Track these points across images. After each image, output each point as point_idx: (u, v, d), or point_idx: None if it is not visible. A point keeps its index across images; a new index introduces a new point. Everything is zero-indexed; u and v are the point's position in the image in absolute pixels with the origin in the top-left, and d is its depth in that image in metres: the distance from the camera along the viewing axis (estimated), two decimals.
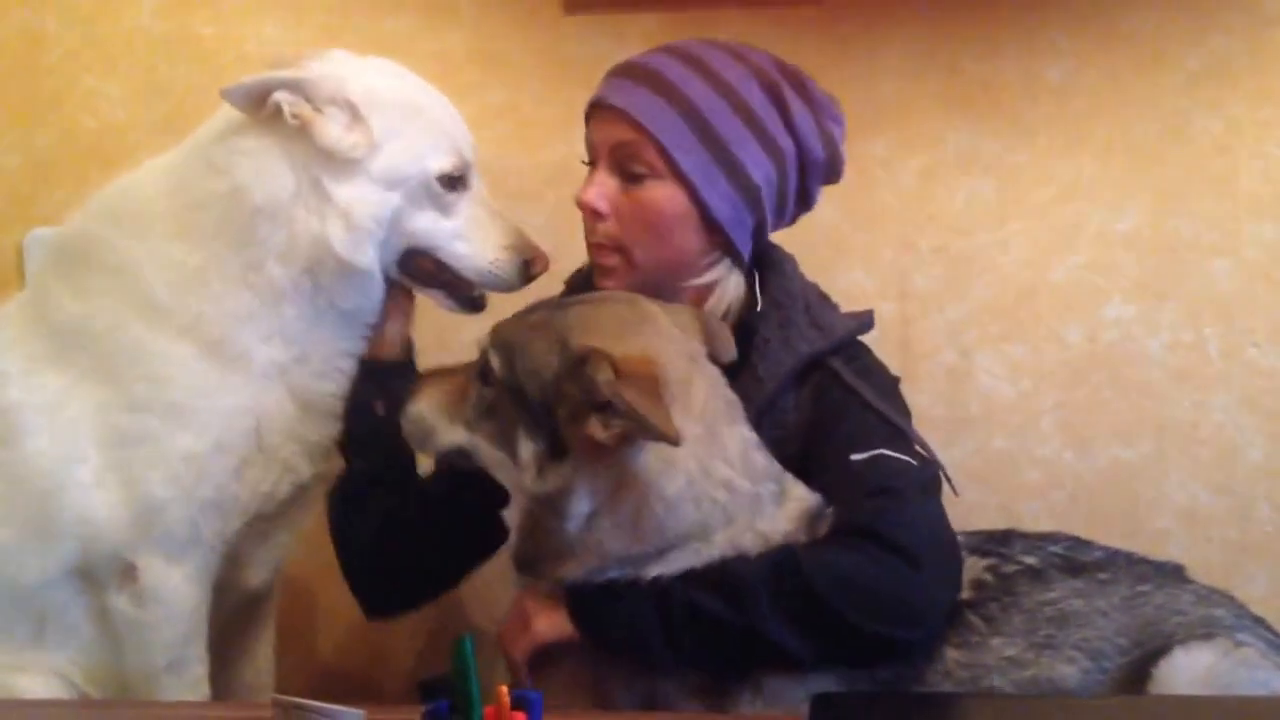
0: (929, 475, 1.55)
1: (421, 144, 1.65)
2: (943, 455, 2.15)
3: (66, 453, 1.62)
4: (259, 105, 1.59)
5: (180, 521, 1.64)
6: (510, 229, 1.72)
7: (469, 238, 1.69)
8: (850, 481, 1.50)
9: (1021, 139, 2.13)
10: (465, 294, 1.73)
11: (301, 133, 1.59)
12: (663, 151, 1.57)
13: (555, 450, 1.42)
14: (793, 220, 1.71)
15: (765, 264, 1.71)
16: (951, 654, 1.47)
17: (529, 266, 1.71)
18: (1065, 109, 2.13)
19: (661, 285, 1.61)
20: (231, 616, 1.81)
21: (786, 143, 1.61)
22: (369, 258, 1.64)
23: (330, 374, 1.71)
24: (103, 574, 1.66)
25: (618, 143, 1.59)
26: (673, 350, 1.47)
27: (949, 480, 1.61)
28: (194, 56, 2.25)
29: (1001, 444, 2.20)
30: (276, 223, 1.62)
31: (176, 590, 1.66)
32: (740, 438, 1.50)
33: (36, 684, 1.66)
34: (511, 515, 1.60)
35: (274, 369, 1.67)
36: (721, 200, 1.59)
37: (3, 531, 1.64)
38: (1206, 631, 1.47)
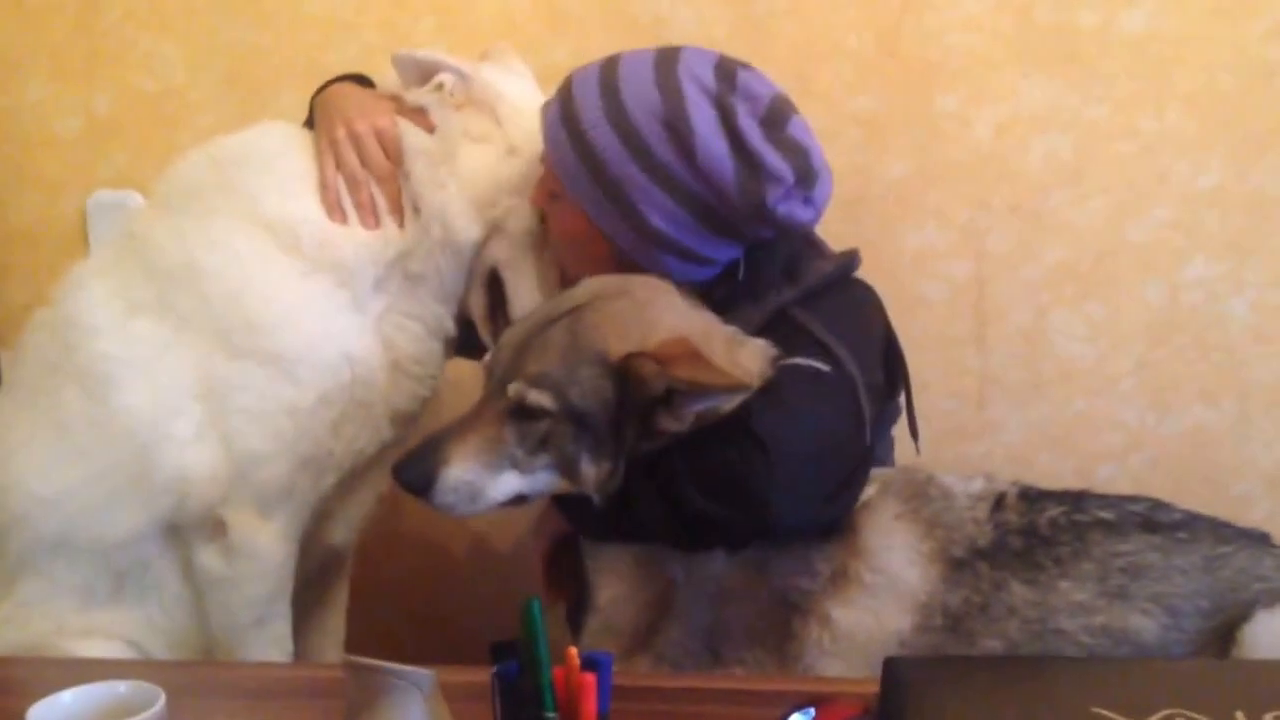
0: (832, 381, 1.50)
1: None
2: (1018, 418, 2.17)
3: (163, 406, 1.61)
4: (423, 78, 1.72)
5: (277, 477, 1.64)
6: None
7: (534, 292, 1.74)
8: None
9: (1099, 91, 2.07)
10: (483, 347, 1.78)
11: (454, 112, 1.71)
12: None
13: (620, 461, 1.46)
14: (775, 235, 1.62)
15: None
16: (1018, 589, 1.49)
17: None
18: (1145, 59, 2.05)
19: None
20: (309, 576, 1.80)
21: (698, 186, 1.55)
22: (471, 232, 1.71)
23: (419, 337, 1.74)
24: (190, 529, 1.66)
25: (546, 168, 1.66)
26: (695, 318, 1.52)
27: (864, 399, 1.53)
28: (253, 17, 2.22)
29: (1080, 407, 2.16)
30: (420, 158, 1.69)
31: (266, 546, 1.66)
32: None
33: (99, 650, 1.64)
34: None
35: (376, 322, 1.70)
36: (623, 236, 1.60)
37: (92, 488, 1.62)
38: None
